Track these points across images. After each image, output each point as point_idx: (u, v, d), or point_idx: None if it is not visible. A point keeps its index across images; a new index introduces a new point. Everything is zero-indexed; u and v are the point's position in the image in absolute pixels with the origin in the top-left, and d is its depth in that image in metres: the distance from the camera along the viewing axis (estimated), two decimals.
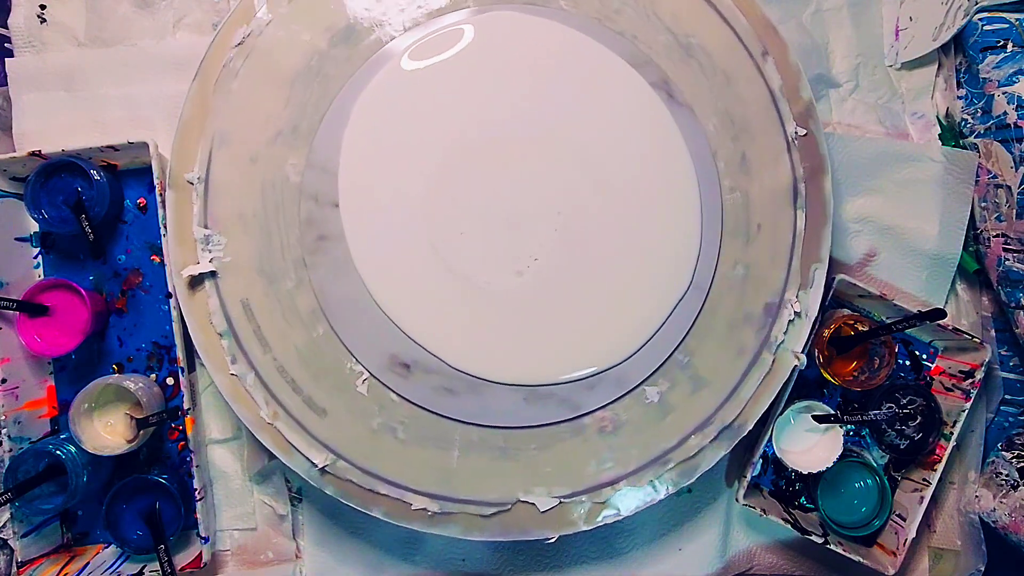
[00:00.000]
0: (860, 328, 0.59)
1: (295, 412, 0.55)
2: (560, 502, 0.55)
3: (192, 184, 0.56)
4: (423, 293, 0.56)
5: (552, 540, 0.55)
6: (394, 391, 0.56)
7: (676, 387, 0.57)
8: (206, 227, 0.56)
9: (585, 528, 0.55)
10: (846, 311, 0.63)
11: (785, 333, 0.57)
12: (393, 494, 0.55)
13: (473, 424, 0.56)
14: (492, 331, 0.56)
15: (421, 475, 0.55)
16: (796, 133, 0.58)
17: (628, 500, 0.56)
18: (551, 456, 0.56)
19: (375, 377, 0.56)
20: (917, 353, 0.64)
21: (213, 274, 0.55)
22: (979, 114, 0.63)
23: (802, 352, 0.57)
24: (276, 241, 0.56)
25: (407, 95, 0.57)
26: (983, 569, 0.60)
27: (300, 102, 0.57)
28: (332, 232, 0.56)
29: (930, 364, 0.64)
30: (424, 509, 0.55)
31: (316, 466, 0.55)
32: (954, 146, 0.64)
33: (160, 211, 0.58)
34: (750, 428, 0.57)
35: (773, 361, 0.57)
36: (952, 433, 0.59)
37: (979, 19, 0.61)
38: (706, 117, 0.58)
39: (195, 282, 0.56)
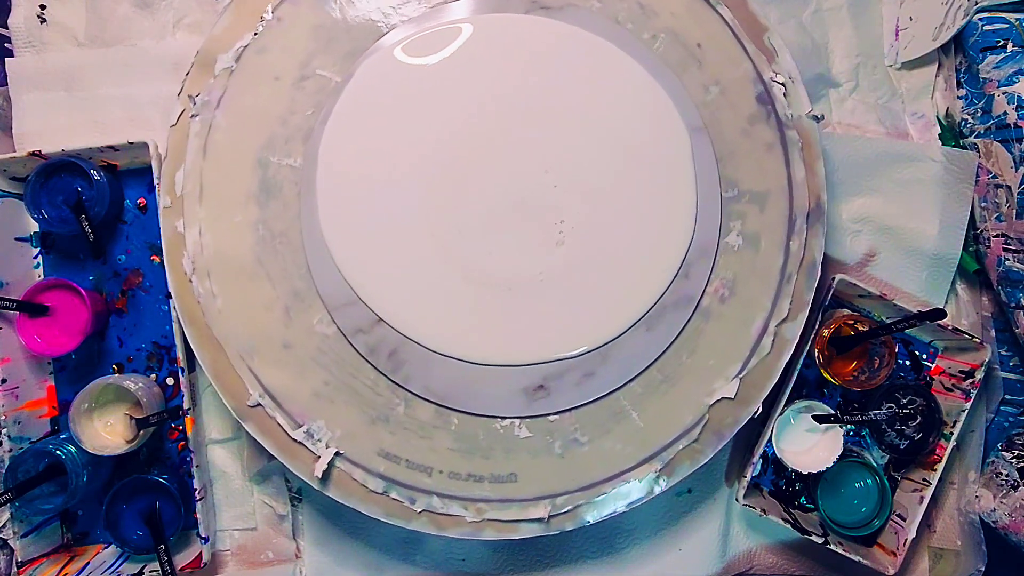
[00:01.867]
0: (860, 328, 0.59)
1: (493, 495, 0.56)
2: (740, 379, 0.56)
3: (259, 405, 0.55)
4: (509, 325, 0.56)
5: (759, 412, 0.56)
6: (549, 413, 0.56)
7: (746, 217, 0.57)
8: (299, 425, 0.55)
9: (775, 378, 0.56)
10: (846, 311, 0.63)
11: (789, 106, 0.58)
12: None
13: (627, 383, 0.56)
14: (580, 302, 0.56)
15: (627, 451, 0.56)
16: None
17: (788, 332, 0.57)
18: (703, 352, 0.57)
19: (527, 417, 0.56)
20: (917, 353, 0.64)
21: (338, 453, 0.55)
22: (979, 114, 0.63)
23: (813, 111, 0.58)
24: (362, 388, 0.56)
25: (361, 190, 0.57)
26: (983, 569, 0.60)
27: (280, 270, 0.56)
28: (396, 341, 0.55)
29: (930, 364, 0.64)
30: (653, 471, 0.56)
31: (544, 519, 0.55)
32: (954, 146, 0.64)
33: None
34: (824, 199, 0.57)
35: (798, 133, 0.58)
36: (952, 433, 0.59)
37: (979, 19, 0.61)
38: None
39: (328, 471, 0.55)
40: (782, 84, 0.58)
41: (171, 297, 0.56)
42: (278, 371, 0.56)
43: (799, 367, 0.59)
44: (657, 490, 0.56)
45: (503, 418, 0.56)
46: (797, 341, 0.57)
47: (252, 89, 0.57)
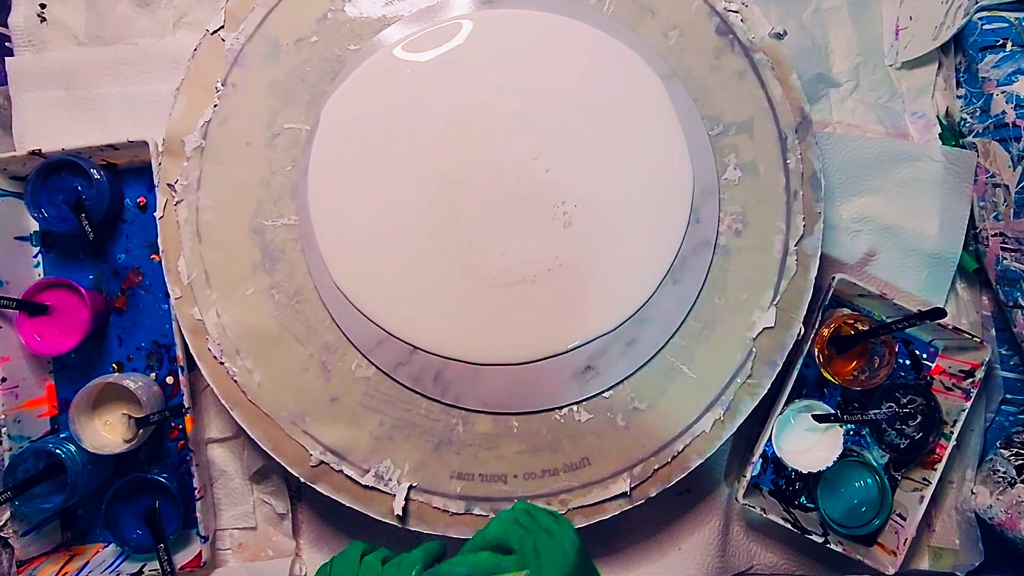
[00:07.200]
0: (860, 327, 0.59)
1: (573, 483, 0.56)
2: (775, 306, 0.57)
3: (323, 463, 0.55)
4: (541, 318, 0.56)
5: (802, 332, 0.57)
6: (603, 390, 0.56)
7: (738, 149, 0.58)
8: (366, 471, 0.55)
9: (808, 296, 0.57)
10: (846, 310, 0.63)
11: (749, 30, 0.58)
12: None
13: (669, 339, 0.57)
14: (602, 275, 0.57)
15: (687, 404, 0.56)
16: None
17: (809, 247, 0.57)
18: (733, 289, 0.57)
19: (583, 400, 0.56)
20: (917, 352, 0.64)
21: (412, 487, 0.55)
22: (978, 113, 0.63)
23: (775, 28, 0.58)
24: (418, 418, 0.56)
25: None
26: (976, 564, 0.61)
27: (305, 329, 0.56)
28: (438, 365, 0.55)
29: (930, 363, 0.64)
30: (716, 417, 0.56)
31: (627, 492, 0.55)
32: (954, 145, 0.64)
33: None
34: (807, 109, 0.58)
35: (765, 54, 0.58)
36: (952, 432, 0.59)
37: (979, 18, 0.61)
38: None
39: (406, 506, 0.55)
40: (736, 11, 0.58)
41: (210, 385, 0.56)
42: (332, 426, 0.55)
43: (799, 366, 0.59)
44: (725, 434, 0.56)
45: (560, 408, 0.56)
46: (820, 254, 0.57)
47: (227, 161, 0.57)
